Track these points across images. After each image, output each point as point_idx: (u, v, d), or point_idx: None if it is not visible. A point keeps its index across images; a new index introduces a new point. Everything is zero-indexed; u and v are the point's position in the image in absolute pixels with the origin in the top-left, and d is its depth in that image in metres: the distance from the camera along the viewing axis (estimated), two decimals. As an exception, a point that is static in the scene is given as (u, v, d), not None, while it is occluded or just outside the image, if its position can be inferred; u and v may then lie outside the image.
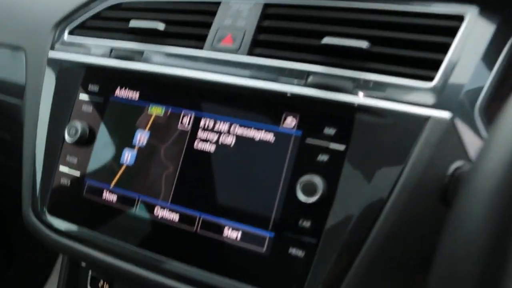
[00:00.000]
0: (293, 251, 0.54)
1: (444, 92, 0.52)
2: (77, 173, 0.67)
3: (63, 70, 0.72)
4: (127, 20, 0.71)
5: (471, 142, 0.51)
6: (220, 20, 0.65)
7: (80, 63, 0.71)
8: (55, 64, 0.73)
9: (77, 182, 0.67)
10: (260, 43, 0.64)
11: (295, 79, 0.59)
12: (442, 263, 0.36)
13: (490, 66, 0.54)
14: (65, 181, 0.68)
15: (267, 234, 0.55)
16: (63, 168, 0.68)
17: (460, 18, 0.55)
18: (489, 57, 0.54)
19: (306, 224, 0.54)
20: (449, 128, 0.51)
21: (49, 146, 0.70)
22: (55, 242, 0.67)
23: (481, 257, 0.32)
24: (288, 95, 0.58)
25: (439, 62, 0.54)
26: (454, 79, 0.53)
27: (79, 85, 0.70)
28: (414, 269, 0.54)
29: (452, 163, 0.51)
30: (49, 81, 0.73)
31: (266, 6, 0.64)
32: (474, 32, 0.54)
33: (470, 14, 0.54)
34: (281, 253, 0.54)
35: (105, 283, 0.75)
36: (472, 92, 0.53)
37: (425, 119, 0.51)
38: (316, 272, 0.52)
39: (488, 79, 0.53)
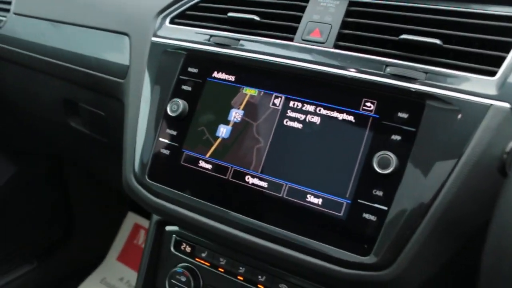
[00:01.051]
0: (367, 216, 0.75)
1: (505, 86, 0.72)
2: (175, 144, 0.91)
3: (165, 53, 0.97)
4: (223, 11, 0.96)
5: None
6: (309, 15, 0.88)
7: (181, 48, 0.96)
8: (158, 48, 0.98)
9: (175, 152, 0.91)
10: (345, 37, 0.86)
11: (374, 69, 0.81)
12: (498, 226, 0.52)
13: None
14: (164, 151, 0.92)
15: (344, 201, 0.79)
16: (163, 139, 0.92)
17: None
18: None
19: (379, 193, 0.75)
20: (508, 116, 0.71)
21: (151, 120, 0.94)
22: (154, 204, 0.91)
23: None
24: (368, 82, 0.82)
25: (502, 59, 0.75)
26: None
27: (179, 67, 0.94)
28: (472, 235, 0.76)
29: (508, 143, 0.72)
30: (152, 63, 0.97)
31: (351, 3, 0.87)
32: None
33: None
34: (356, 217, 0.75)
35: (187, 246, 1.03)
36: None
37: (487, 107, 0.72)
38: (386, 234, 0.73)
39: None
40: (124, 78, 1.04)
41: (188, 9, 1.01)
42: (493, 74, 0.75)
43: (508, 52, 0.75)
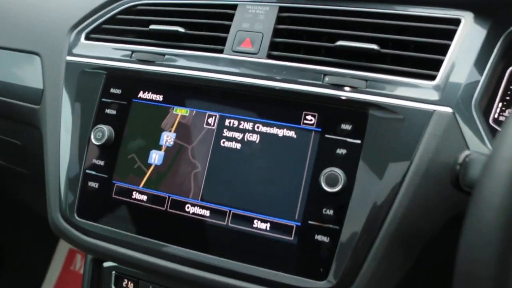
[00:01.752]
0: (319, 237, 0.70)
1: (445, 89, 0.70)
2: (104, 176, 0.82)
3: (83, 74, 0.87)
4: (144, 24, 0.87)
5: (470, 133, 0.68)
6: (238, 24, 0.81)
7: (100, 67, 0.86)
8: (74, 68, 0.88)
9: (105, 184, 0.82)
10: (277, 45, 0.80)
11: (312, 80, 0.76)
12: (467, 245, 0.50)
13: (483, 64, 0.73)
14: (92, 184, 0.83)
15: (294, 223, 0.73)
16: (90, 171, 0.83)
17: (457, 22, 0.73)
18: (482, 56, 0.72)
19: (329, 212, 0.70)
20: (451, 122, 0.69)
21: (74, 150, 0.84)
22: (86, 243, 0.82)
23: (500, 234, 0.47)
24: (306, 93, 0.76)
25: (440, 62, 0.72)
26: (453, 78, 0.71)
27: (100, 89, 0.85)
28: (429, 241, 0.73)
29: (456, 152, 0.70)
30: (69, 85, 0.87)
31: (281, 9, 0.81)
32: (470, 34, 0.72)
33: (466, 17, 0.73)
34: (308, 240, 0.70)
35: (129, 282, 0.94)
36: (469, 89, 0.71)
37: (430, 113, 0.69)
38: (341, 255, 0.68)
39: (482, 76, 0.72)
40: (39, 104, 0.92)
41: (105, 22, 0.91)
42: (432, 78, 0.72)
43: (445, 54, 0.73)
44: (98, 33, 0.92)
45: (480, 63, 0.72)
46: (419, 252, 0.73)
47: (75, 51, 0.91)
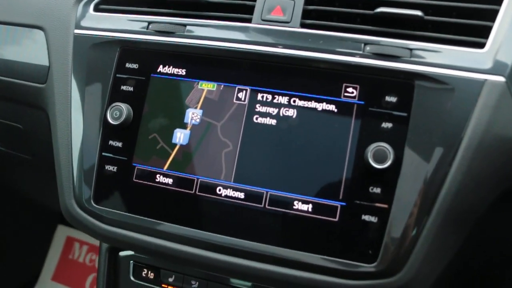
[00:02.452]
0: (366, 217, 0.65)
1: (496, 57, 0.65)
2: (123, 158, 0.75)
3: (94, 48, 0.79)
4: None
5: None
6: None
7: (114, 40, 0.78)
8: (83, 42, 0.80)
9: (124, 168, 0.75)
10: (310, 13, 0.73)
11: (352, 49, 0.69)
12: None
13: None
14: (110, 168, 0.75)
15: (338, 204, 0.67)
16: (107, 154, 0.76)
17: None
18: None
19: (377, 190, 0.65)
20: (504, 91, 0.64)
21: (88, 132, 0.77)
22: (106, 232, 0.75)
23: None
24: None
25: (489, 29, 0.67)
26: (504, 45, 0.65)
27: (114, 64, 0.77)
28: (477, 226, 0.69)
29: (509, 124, 0.65)
30: (78, 61, 0.79)
31: None
32: None
33: None
34: (354, 221, 0.65)
35: (149, 272, 0.87)
36: None
37: (481, 83, 0.64)
38: (391, 235, 0.64)
39: None
40: (45, 83, 0.84)
41: (115, -10, 0.83)
42: (481, 46, 0.67)
43: (493, 20, 0.67)
44: (109, 4, 0.83)
45: None
46: (469, 229, 0.68)
47: (83, 23, 0.82)
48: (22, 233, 1.67)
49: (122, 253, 0.87)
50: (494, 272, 0.93)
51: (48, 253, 1.79)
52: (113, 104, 0.76)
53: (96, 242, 0.92)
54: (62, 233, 1.82)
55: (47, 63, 0.83)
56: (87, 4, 0.83)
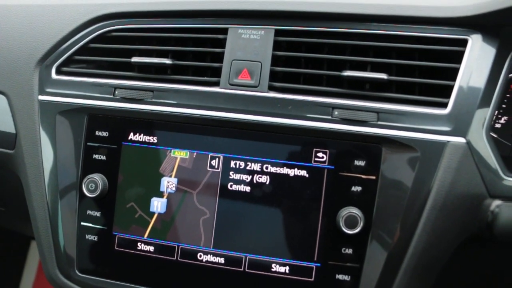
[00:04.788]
0: (340, 276, 0.69)
1: (458, 118, 0.67)
2: (103, 227, 0.76)
3: (61, 115, 0.77)
4: (123, 53, 0.77)
5: (484, 163, 0.67)
6: (232, 51, 0.73)
7: (80, 107, 0.76)
8: (49, 109, 0.78)
9: (104, 237, 0.75)
10: (278, 74, 0.74)
11: (321, 114, 0.70)
12: None
13: (493, 87, 0.69)
14: (91, 237, 0.76)
15: (313, 265, 0.70)
16: (85, 224, 0.76)
17: (464, 42, 0.69)
18: (492, 79, 0.69)
19: (349, 251, 0.69)
20: (465, 152, 0.67)
21: (65, 201, 0.77)
22: None
23: None
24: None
25: (450, 88, 0.68)
26: (464, 105, 0.67)
27: (84, 132, 0.76)
28: (441, 272, 0.74)
29: (471, 184, 0.67)
30: (46, 128, 0.78)
31: (278, 32, 0.73)
32: (478, 55, 0.68)
33: (473, 38, 0.69)
34: (329, 280, 0.69)
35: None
36: (480, 115, 0.68)
37: (444, 144, 0.66)
38: None
39: (492, 99, 0.69)
40: (13, 149, 0.81)
41: (76, 52, 0.80)
42: (444, 105, 0.69)
43: (454, 79, 0.69)
44: (70, 65, 0.80)
45: (490, 85, 0.69)
46: (435, 277, 0.73)
47: (47, 88, 0.80)
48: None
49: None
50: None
51: (23, 271, 1.76)
52: (88, 176, 0.75)
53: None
54: (34, 255, 1.78)
55: (13, 130, 0.80)
56: (48, 67, 0.80)
